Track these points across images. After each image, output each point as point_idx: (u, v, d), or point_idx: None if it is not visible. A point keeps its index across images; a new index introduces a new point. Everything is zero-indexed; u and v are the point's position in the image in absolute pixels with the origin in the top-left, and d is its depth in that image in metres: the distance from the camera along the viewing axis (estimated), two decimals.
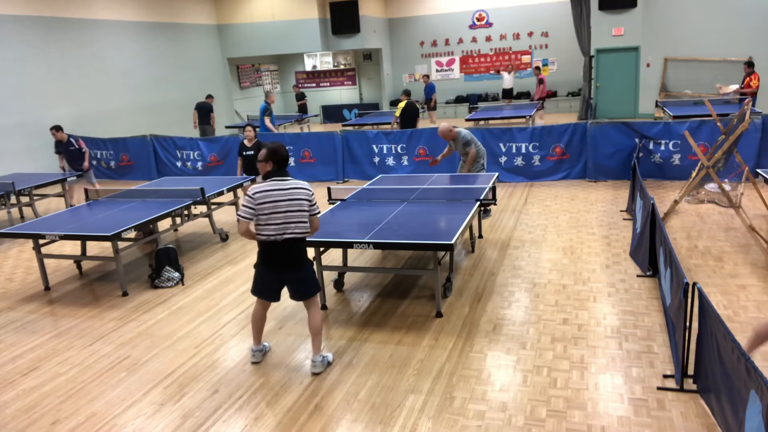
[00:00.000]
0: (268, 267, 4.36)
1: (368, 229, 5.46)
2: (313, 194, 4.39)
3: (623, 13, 15.98)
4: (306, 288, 4.46)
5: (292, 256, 4.31)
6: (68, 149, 10.24)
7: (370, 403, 4.08)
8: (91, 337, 5.41)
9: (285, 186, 4.24)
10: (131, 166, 13.09)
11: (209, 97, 15.36)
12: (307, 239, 4.65)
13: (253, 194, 4.21)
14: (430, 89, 16.08)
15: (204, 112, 14.94)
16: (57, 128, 10.12)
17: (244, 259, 7.29)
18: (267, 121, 12.80)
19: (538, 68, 15.89)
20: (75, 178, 10.19)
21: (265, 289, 4.48)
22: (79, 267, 7.33)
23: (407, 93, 12.91)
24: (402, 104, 12.53)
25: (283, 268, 4.34)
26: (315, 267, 5.12)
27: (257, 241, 4.35)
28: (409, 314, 5.41)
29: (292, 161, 11.77)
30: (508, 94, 17.66)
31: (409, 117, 12.47)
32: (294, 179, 4.32)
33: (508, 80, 17.61)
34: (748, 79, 12.42)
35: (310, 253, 5.67)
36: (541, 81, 15.36)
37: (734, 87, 12.49)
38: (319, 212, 4.45)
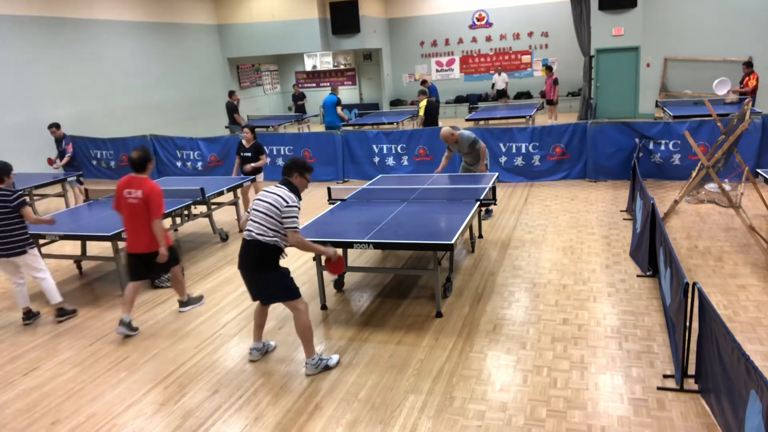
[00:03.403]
0: (237, 263, 4.48)
1: (368, 229, 5.46)
2: (288, 207, 4.23)
3: (623, 13, 15.97)
4: (265, 293, 4.46)
5: (249, 256, 4.32)
6: (59, 148, 10.49)
7: (370, 403, 4.08)
8: (91, 337, 5.41)
9: (271, 191, 4.36)
10: None
11: (232, 94, 14.89)
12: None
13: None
14: (431, 90, 16.06)
15: (228, 112, 14.74)
16: (56, 126, 10.32)
17: None
18: (340, 110, 13.87)
19: (550, 68, 15.75)
20: (74, 178, 10.21)
21: (246, 286, 4.55)
22: (79, 267, 7.34)
23: (424, 92, 12.87)
24: (423, 103, 12.54)
25: (244, 267, 4.39)
26: (315, 268, 5.11)
27: None
28: (409, 314, 5.41)
29: None
30: (501, 94, 17.67)
31: (432, 114, 12.44)
32: (284, 189, 4.32)
33: (499, 81, 17.59)
34: (747, 78, 12.42)
35: (310, 253, 5.66)
36: (556, 81, 15.29)
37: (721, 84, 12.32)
38: (294, 227, 4.26)
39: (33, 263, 5.60)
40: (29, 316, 5.81)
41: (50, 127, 10.32)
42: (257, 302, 4.70)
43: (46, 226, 6.35)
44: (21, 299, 5.76)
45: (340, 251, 4.70)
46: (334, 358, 4.63)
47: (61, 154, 10.47)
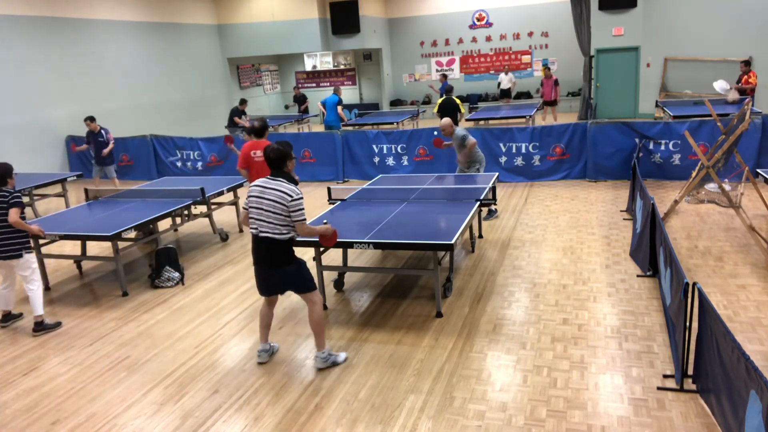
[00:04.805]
0: (253, 260, 4.48)
1: (368, 229, 5.46)
2: (294, 201, 4.22)
3: (623, 13, 15.97)
4: (279, 286, 4.47)
5: (267, 254, 4.33)
6: (97, 140, 10.69)
7: (370, 403, 4.08)
8: (91, 337, 5.41)
9: (269, 185, 4.31)
10: (131, 166, 13.09)
11: (243, 102, 14.68)
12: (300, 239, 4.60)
13: (249, 188, 4.47)
14: (442, 89, 16.10)
15: (232, 115, 14.76)
16: (91, 118, 10.65)
17: (244, 259, 7.29)
18: (340, 110, 14.11)
19: (548, 68, 15.86)
20: (75, 178, 10.24)
21: (257, 282, 4.56)
22: (79, 267, 7.34)
23: (447, 90, 12.93)
24: (440, 100, 12.61)
25: (261, 264, 4.40)
26: (315, 268, 5.12)
27: None
28: (409, 314, 5.41)
29: None
30: (505, 94, 17.69)
31: (448, 112, 12.41)
32: (284, 182, 4.30)
33: (505, 81, 17.62)
34: (745, 77, 12.42)
35: (311, 252, 5.68)
36: (557, 82, 15.41)
37: (721, 83, 12.32)
38: (302, 220, 4.27)
39: (25, 269, 5.51)
40: (6, 319, 5.81)
41: (86, 120, 10.61)
42: (263, 303, 4.67)
43: (43, 228, 6.35)
44: (1, 302, 5.74)
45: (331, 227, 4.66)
46: (342, 355, 4.66)
47: (98, 146, 10.68)
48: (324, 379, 4.42)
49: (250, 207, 4.36)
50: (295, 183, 4.42)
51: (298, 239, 4.52)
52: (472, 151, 7.92)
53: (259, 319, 4.75)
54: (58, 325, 5.69)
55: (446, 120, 7.97)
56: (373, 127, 13.76)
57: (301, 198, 4.29)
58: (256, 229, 4.32)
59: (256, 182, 4.41)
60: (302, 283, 4.44)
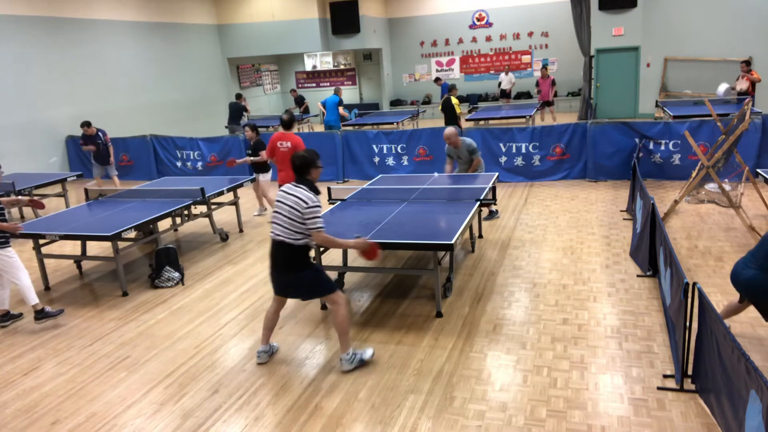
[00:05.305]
0: (270, 264, 4.50)
1: (368, 229, 5.46)
2: (309, 208, 4.19)
3: (623, 13, 15.97)
4: (299, 292, 4.50)
5: (280, 259, 4.35)
6: (96, 142, 10.77)
7: (370, 403, 4.09)
8: (91, 337, 5.41)
9: (290, 191, 4.33)
10: (131, 166, 13.10)
11: (240, 96, 15.42)
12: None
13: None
14: (443, 89, 16.14)
15: (235, 112, 15.02)
16: (87, 124, 10.73)
17: (244, 259, 7.29)
18: (342, 109, 14.35)
19: (545, 68, 15.99)
20: (75, 178, 10.24)
21: (273, 282, 4.57)
22: (79, 267, 7.34)
23: (449, 89, 12.97)
24: (442, 99, 12.70)
25: (276, 268, 4.42)
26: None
27: None
28: (409, 314, 5.41)
29: None
30: (505, 94, 17.72)
31: (447, 111, 12.46)
32: (305, 189, 4.28)
33: (505, 81, 17.65)
34: (747, 77, 12.42)
35: (311, 252, 5.68)
36: (554, 82, 15.53)
37: (725, 86, 12.37)
38: (318, 228, 4.23)
39: (1, 265, 5.51)
40: (6, 319, 5.81)
41: (82, 125, 10.67)
42: (272, 304, 4.67)
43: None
44: None
45: (367, 239, 4.56)
46: (369, 351, 4.63)
47: (100, 149, 10.75)
48: (324, 379, 4.42)
49: (274, 212, 4.42)
50: (317, 192, 4.37)
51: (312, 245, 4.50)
52: (476, 168, 7.88)
53: (263, 320, 4.75)
54: (60, 312, 5.73)
55: (450, 129, 7.86)
56: (373, 127, 13.76)
57: (318, 206, 4.24)
58: (274, 232, 4.36)
59: (283, 188, 4.44)
60: (321, 286, 4.45)
